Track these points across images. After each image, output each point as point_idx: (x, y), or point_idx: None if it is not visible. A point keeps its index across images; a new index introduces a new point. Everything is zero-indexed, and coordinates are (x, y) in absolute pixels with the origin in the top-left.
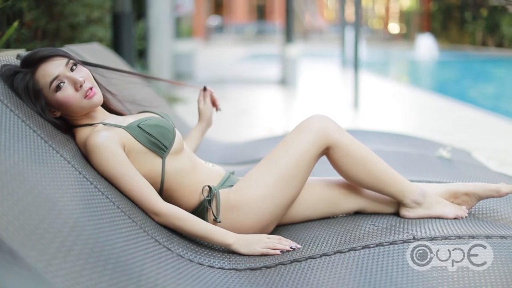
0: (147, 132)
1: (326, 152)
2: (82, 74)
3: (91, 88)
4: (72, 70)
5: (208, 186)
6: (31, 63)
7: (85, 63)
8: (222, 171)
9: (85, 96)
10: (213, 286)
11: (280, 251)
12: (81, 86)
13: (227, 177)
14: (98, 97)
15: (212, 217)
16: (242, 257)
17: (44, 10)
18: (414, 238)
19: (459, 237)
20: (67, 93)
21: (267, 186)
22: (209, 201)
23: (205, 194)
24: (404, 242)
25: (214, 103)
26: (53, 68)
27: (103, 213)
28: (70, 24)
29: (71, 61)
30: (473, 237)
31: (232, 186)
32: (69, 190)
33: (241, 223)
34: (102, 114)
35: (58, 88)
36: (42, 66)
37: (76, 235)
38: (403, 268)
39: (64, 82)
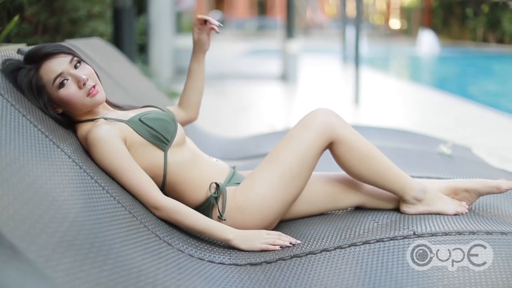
0: (148, 125)
1: (330, 146)
2: (85, 71)
3: (94, 86)
4: (76, 67)
5: (216, 183)
6: (35, 59)
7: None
8: (227, 167)
9: (88, 94)
10: (213, 281)
11: (280, 247)
12: (84, 84)
13: (233, 174)
14: (100, 95)
15: (217, 215)
16: (243, 252)
17: (44, 5)
18: (414, 234)
19: (460, 233)
20: (70, 91)
21: (271, 186)
22: (216, 198)
23: (212, 190)
24: (405, 238)
25: (212, 29)
26: (57, 65)
27: (104, 208)
28: (71, 19)
29: (75, 58)
30: (473, 233)
31: (238, 183)
32: (70, 184)
33: (246, 222)
34: (103, 109)
35: (62, 85)
36: (46, 63)
37: (76, 230)
38: (403, 264)
39: (67, 79)
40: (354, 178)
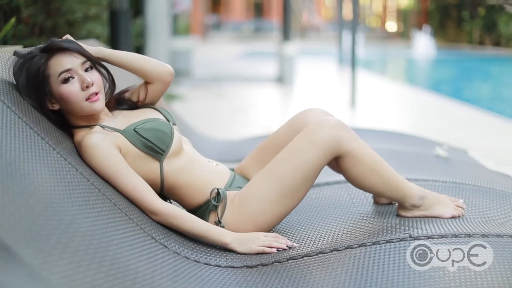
0: (143, 137)
1: (335, 158)
2: (93, 77)
3: (96, 93)
4: (86, 70)
5: (217, 190)
6: (50, 49)
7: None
8: (227, 171)
9: (88, 99)
10: (209, 284)
11: (277, 250)
12: (87, 87)
13: (233, 178)
14: (99, 104)
15: (215, 220)
16: (239, 254)
17: (41, 7)
18: (410, 236)
19: (456, 236)
20: (71, 89)
21: (269, 200)
22: (216, 206)
23: (213, 196)
24: (401, 240)
25: None
26: (68, 61)
27: (100, 210)
28: (67, 21)
29: (88, 62)
30: (469, 235)
31: (239, 187)
32: (66, 187)
33: (240, 230)
34: (103, 115)
35: (66, 81)
36: (58, 55)
37: (72, 232)
38: (399, 266)
39: (73, 78)
40: (356, 187)
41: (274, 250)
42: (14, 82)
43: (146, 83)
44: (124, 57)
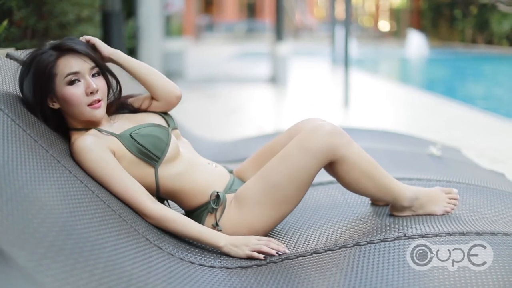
0: (138, 142)
1: (329, 163)
2: (99, 84)
3: (99, 100)
4: (93, 76)
5: (217, 193)
6: (61, 48)
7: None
8: (226, 174)
9: (90, 104)
10: (204, 285)
11: (266, 256)
12: (92, 93)
13: (233, 181)
14: (100, 111)
15: (211, 222)
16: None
17: (33, 9)
18: (405, 235)
19: (450, 234)
20: (75, 92)
21: (263, 207)
22: (214, 208)
23: (212, 198)
24: (395, 239)
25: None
26: (77, 64)
27: (94, 212)
28: (59, 23)
29: (96, 68)
30: (463, 233)
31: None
32: (60, 189)
33: (236, 234)
34: (102, 119)
35: (71, 83)
36: (69, 56)
37: (66, 234)
38: (394, 265)
39: (79, 81)
40: (349, 191)
41: (261, 256)
42: (8, 83)
43: (152, 98)
44: (138, 67)
